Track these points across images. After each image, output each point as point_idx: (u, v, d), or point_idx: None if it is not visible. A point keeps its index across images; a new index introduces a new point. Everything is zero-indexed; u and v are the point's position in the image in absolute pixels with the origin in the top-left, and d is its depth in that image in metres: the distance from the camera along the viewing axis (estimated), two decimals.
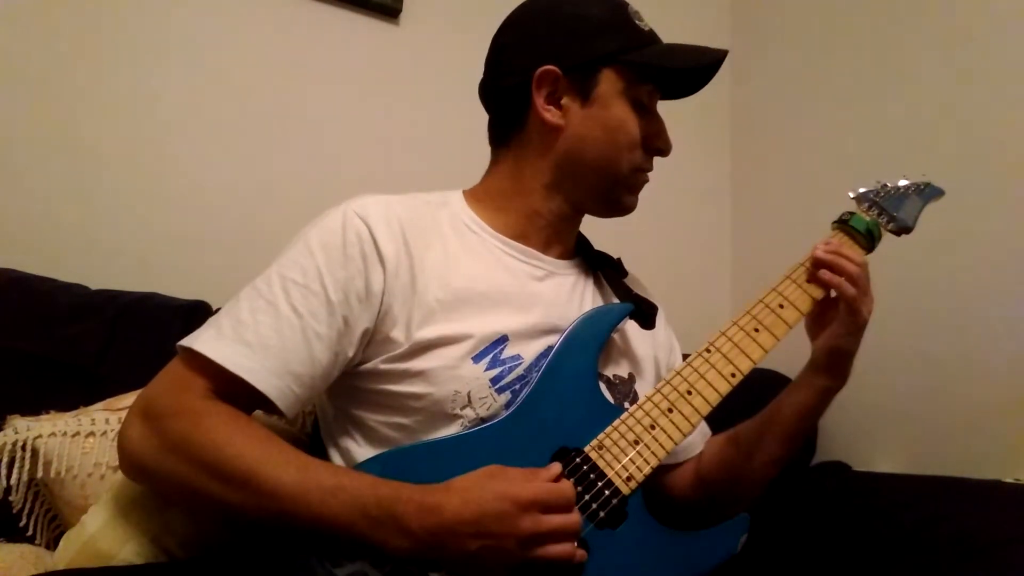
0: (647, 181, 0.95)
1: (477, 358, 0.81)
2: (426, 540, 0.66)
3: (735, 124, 2.07)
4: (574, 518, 0.70)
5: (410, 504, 0.67)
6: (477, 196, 0.96)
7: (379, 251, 0.81)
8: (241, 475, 0.69)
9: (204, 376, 0.75)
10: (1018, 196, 1.39)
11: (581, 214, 0.97)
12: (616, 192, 0.93)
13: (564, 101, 0.89)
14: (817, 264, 0.88)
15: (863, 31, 1.75)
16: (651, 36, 0.92)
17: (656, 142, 0.92)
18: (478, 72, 0.99)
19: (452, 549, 0.66)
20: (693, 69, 0.91)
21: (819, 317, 0.90)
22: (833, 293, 0.89)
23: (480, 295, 0.85)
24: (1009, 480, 1.25)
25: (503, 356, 0.82)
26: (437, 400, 0.79)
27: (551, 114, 0.89)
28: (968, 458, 1.38)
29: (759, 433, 0.93)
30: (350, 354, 0.81)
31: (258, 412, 0.80)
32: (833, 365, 0.89)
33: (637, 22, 0.92)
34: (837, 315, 0.88)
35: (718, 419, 1.03)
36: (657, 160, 0.95)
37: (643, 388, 0.92)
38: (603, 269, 0.99)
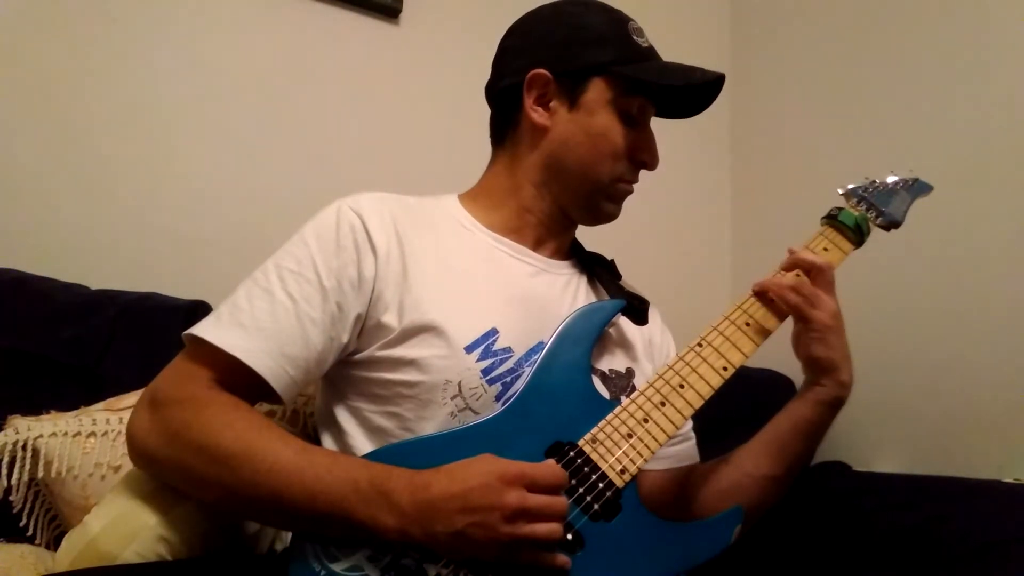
0: (630, 192, 0.97)
1: (470, 348, 0.82)
2: (414, 516, 0.67)
3: (735, 124, 2.08)
4: (560, 499, 0.70)
5: (400, 481, 0.69)
6: (472, 196, 0.99)
7: (371, 240, 0.85)
8: (239, 454, 0.72)
9: (207, 366, 0.78)
10: (1017, 195, 1.39)
11: (571, 219, 0.98)
12: (595, 199, 0.95)
13: (552, 104, 0.92)
14: (756, 293, 0.87)
15: (862, 32, 1.75)
16: (648, 53, 0.94)
17: (641, 155, 0.94)
18: (478, 72, 1.00)
19: (439, 525, 0.67)
20: (682, 88, 0.92)
21: (796, 329, 0.88)
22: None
23: (471, 287, 0.87)
24: (1009, 480, 1.25)
25: (494, 348, 0.83)
26: (428, 388, 0.81)
27: (538, 114, 0.92)
28: (968, 458, 1.39)
29: (755, 448, 0.90)
30: (344, 339, 0.83)
31: (261, 409, 0.81)
32: (816, 374, 0.86)
33: (636, 38, 0.93)
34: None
35: (719, 420, 1.03)
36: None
37: (641, 382, 0.93)
38: (597, 271, 1.00)
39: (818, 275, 0.86)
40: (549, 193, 0.95)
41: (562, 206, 0.96)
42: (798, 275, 0.88)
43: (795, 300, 0.84)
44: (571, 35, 0.93)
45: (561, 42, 0.93)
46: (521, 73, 0.92)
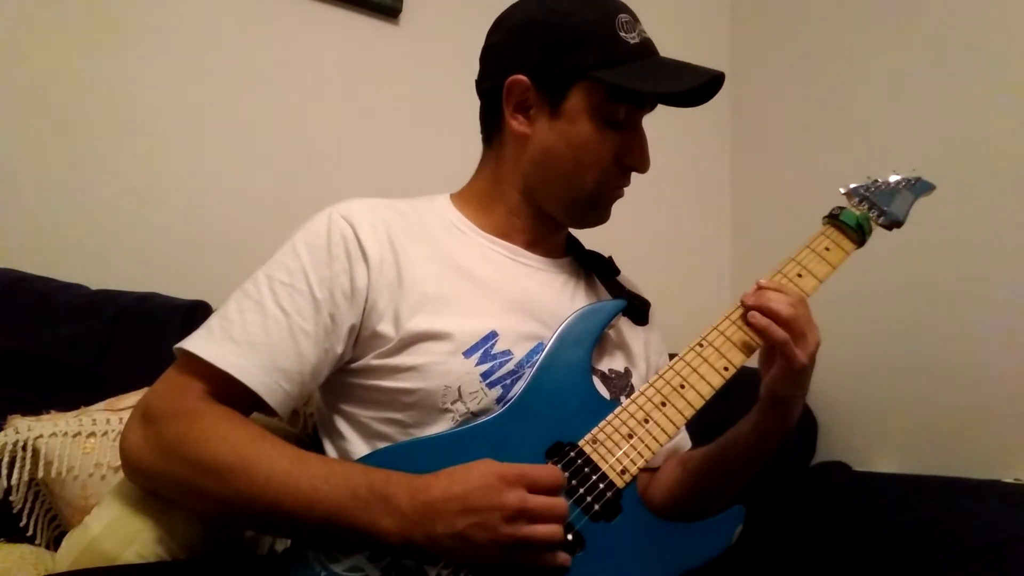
0: (620, 196, 0.94)
1: (468, 353, 0.82)
2: (414, 519, 0.67)
3: (735, 124, 2.08)
4: (560, 500, 0.70)
5: (400, 485, 0.69)
6: (463, 197, 0.98)
7: (363, 249, 0.83)
8: (235, 468, 0.71)
9: (199, 378, 0.78)
10: (1018, 195, 1.39)
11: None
12: (580, 208, 0.93)
13: (532, 112, 0.89)
14: (746, 308, 0.83)
15: (862, 32, 1.75)
16: (636, 50, 0.87)
17: (629, 160, 0.90)
18: (477, 72, 0.99)
19: (440, 527, 0.67)
20: (669, 93, 0.88)
21: (769, 354, 0.85)
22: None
23: (469, 291, 0.86)
24: (1009, 480, 1.25)
25: (494, 351, 0.83)
26: (428, 394, 0.80)
27: (518, 122, 0.90)
28: (968, 458, 1.39)
29: (706, 462, 0.91)
30: (339, 351, 0.82)
31: (258, 415, 0.80)
32: (773, 409, 0.85)
33: (623, 34, 0.87)
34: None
35: (710, 422, 1.03)
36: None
37: (639, 383, 0.93)
38: (595, 268, 1.00)
39: (790, 323, 0.81)
40: (534, 199, 0.93)
41: (548, 211, 0.94)
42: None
43: (782, 337, 0.80)
44: (552, 35, 0.87)
45: (541, 43, 0.88)
46: (501, 76, 0.89)
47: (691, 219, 2.03)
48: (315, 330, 0.80)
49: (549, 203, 0.93)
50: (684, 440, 1.03)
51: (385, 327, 0.82)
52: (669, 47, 0.94)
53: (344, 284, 0.82)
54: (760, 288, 0.84)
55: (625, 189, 0.95)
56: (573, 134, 0.87)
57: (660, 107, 0.97)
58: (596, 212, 0.94)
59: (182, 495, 0.76)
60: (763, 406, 0.86)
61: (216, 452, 0.72)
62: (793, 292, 0.84)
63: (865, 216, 0.93)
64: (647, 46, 0.90)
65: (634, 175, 0.94)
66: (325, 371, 0.83)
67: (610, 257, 1.02)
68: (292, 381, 0.79)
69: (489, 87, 0.92)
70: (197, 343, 0.78)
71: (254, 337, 0.78)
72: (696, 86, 0.87)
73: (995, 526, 1.05)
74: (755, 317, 0.82)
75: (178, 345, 0.79)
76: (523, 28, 0.91)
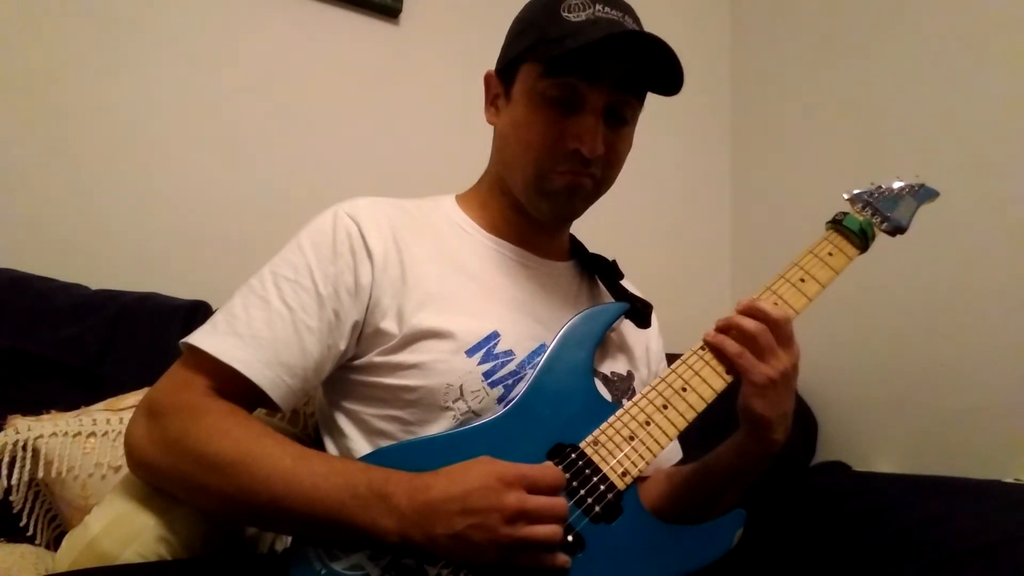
0: (578, 184, 0.87)
1: (471, 352, 0.82)
2: (413, 518, 0.67)
3: (735, 124, 2.08)
4: (560, 500, 0.70)
5: (400, 484, 0.69)
6: (467, 197, 0.98)
7: (367, 247, 0.84)
8: (237, 464, 0.71)
9: (204, 374, 0.78)
10: (1016, 198, 1.40)
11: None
12: (531, 195, 0.89)
13: (499, 102, 0.92)
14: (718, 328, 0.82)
15: (863, 32, 1.75)
16: (579, 27, 0.81)
17: (571, 142, 0.84)
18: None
19: (439, 527, 0.67)
20: (587, 51, 0.79)
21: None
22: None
23: (472, 291, 0.87)
24: (1009, 480, 1.25)
25: (496, 351, 0.83)
26: (430, 392, 0.81)
27: (489, 114, 0.94)
28: (968, 458, 1.39)
29: (691, 479, 0.90)
30: (341, 347, 0.83)
31: (260, 413, 0.81)
32: (749, 428, 0.82)
33: (566, 14, 0.83)
34: None
35: (714, 424, 1.03)
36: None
37: (641, 385, 0.93)
38: (598, 271, 1.00)
39: (774, 329, 0.79)
40: (509, 192, 0.93)
41: (521, 203, 0.92)
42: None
43: (735, 351, 0.79)
44: (512, 30, 0.92)
45: (507, 40, 0.93)
46: None
47: (691, 219, 2.03)
48: (319, 326, 0.81)
49: (515, 192, 0.91)
50: (674, 451, 1.02)
51: (388, 324, 0.82)
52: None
53: (348, 281, 0.83)
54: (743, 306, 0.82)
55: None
56: (514, 114, 0.89)
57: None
58: (548, 201, 0.89)
59: (185, 490, 0.77)
60: (742, 426, 0.84)
61: (219, 448, 0.72)
62: (773, 311, 0.80)
63: (868, 222, 0.92)
64: (599, 22, 0.82)
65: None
66: (328, 367, 0.83)
67: (614, 260, 1.02)
68: (295, 376, 0.80)
69: None
70: (201, 338, 0.79)
71: (258, 332, 0.79)
72: (594, 39, 0.79)
73: (995, 526, 1.04)
74: (709, 334, 0.81)
75: (183, 340, 0.80)
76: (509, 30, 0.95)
